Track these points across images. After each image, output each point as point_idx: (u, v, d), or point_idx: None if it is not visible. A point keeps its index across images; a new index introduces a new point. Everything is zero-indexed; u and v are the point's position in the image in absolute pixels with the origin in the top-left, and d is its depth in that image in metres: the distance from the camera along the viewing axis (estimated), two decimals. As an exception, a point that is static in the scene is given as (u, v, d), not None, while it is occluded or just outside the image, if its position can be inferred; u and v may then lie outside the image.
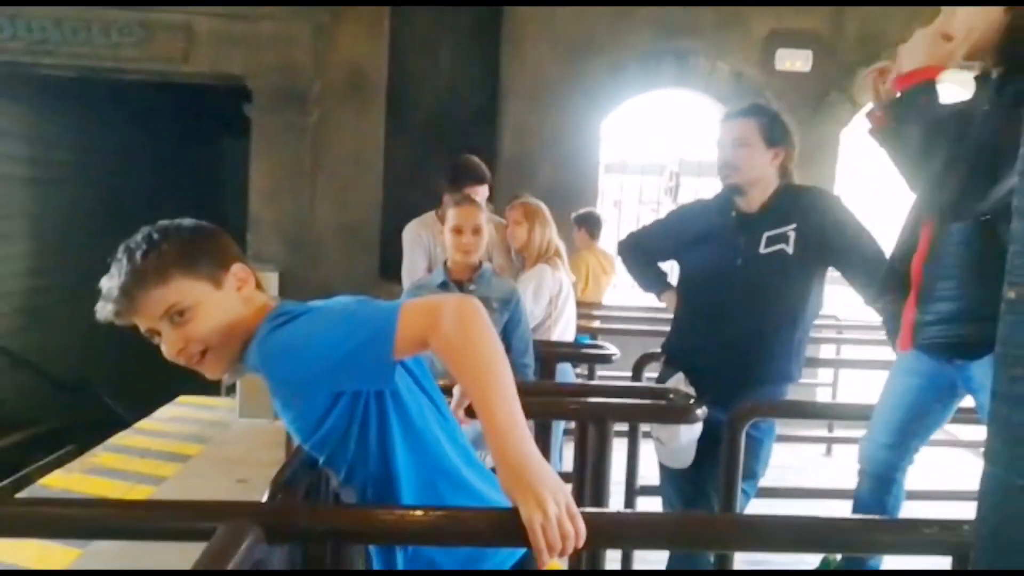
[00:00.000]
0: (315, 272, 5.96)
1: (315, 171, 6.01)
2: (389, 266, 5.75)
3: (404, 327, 1.16)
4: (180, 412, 5.92)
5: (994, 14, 1.68)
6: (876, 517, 1.90)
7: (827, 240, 2.29)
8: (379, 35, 5.98)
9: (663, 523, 1.28)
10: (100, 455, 4.94)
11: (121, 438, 5.29)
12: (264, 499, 1.30)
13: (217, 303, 1.26)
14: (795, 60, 5.94)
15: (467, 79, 6.13)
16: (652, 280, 2.77)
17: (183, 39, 5.73)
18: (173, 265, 1.24)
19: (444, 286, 2.68)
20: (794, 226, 2.30)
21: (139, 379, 7.21)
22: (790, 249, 2.29)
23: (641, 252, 2.73)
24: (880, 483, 2.02)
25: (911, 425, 1.97)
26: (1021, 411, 0.51)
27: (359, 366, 1.18)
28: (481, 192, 3.41)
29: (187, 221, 1.33)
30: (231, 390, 5.99)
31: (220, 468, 4.69)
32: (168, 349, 1.28)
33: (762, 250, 2.30)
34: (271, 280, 5.77)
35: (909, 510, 3.78)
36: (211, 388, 6.38)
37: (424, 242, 3.38)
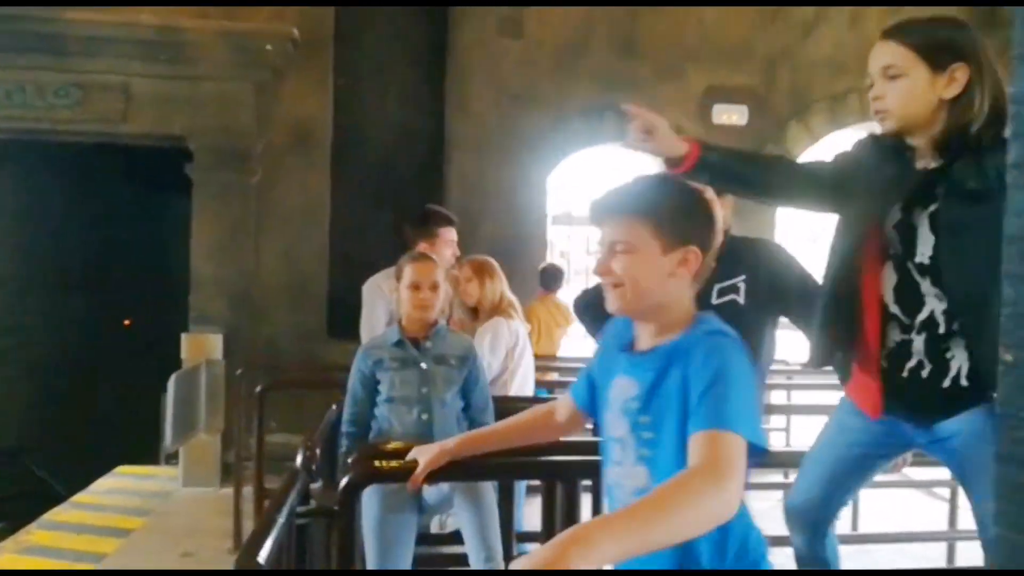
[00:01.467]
0: (261, 331, 5.84)
1: (259, 229, 5.93)
2: (337, 323, 5.68)
3: (731, 441, 1.20)
4: (119, 483, 5.66)
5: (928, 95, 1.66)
6: (839, 571, 1.88)
7: (776, 289, 2.33)
8: (323, 91, 6.00)
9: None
10: (34, 532, 4.67)
11: (56, 513, 5.02)
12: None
13: (654, 265, 1.35)
14: (731, 114, 6.16)
15: (413, 132, 6.17)
16: None
17: (120, 100, 5.65)
18: (649, 214, 1.36)
19: (400, 345, 2.65)
20: (743, 277, 2.33)
21: (73, 448, 6.92)
22: (741, 299, 2.31)
23: (594, 309, 2.73)
24: (811, 535, 1.95)
25: (846, 481, 1.90)
26: (1028, 473, 0.52)
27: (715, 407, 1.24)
28: (450, 235, 3.46)
29: (704, 193, 1.48)
30: (172, 458, 5.77)
31: (164, 542, 4.48)
32: (598, 264, 1.43)
33: (714, 301, 2.33)
34: (215, 342, 5.63)
35: (865, 552, 3.86)
36: (151, 457, 6.17)
37: (385, 295, 3.36)
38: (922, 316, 1.70)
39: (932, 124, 1.65)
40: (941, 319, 1.68)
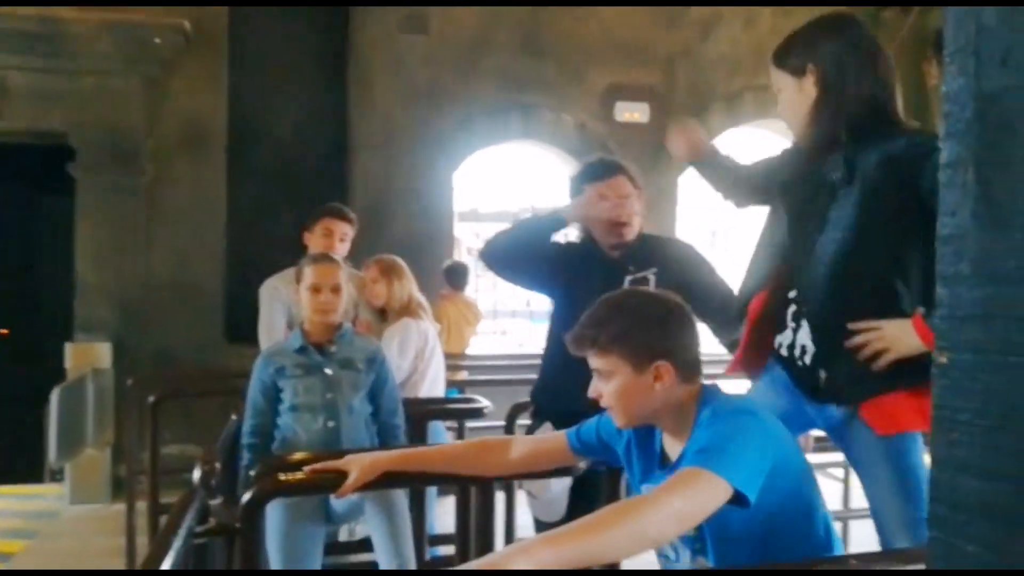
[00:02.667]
0: (153, 338, 5.55)
1: (150, 231, 5.64)
2: (236, 328, 5.46)
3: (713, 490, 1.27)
4: (1, 505, 5.27)
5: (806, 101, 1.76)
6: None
7: (685, 283, 2.38)
8: (217, 87, 5.75)
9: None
10: (-99, 563, 4.30)
11: (-73, 541, 4.64)
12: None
13: (632, 386, 1.46)
14: (633, 112, 6.26)
15: (314, 130, 5.99)
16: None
17: (-6, 94, 5.27)
18: (617, 345, 1.46)
19: (302, 351, 2.55)
20: (655, 270, 2.39)
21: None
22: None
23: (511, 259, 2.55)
24: None
25: None
26: (963, 475, 0.52)
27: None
28: (333, 226, 3.35)
29: (659, 302, 1.54)
30: (59, 475, 5.42)
31: (50, 565, 4.19)
32: (592, 390, 1.53)
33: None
34: (102, 350, 5.32)
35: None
36: (35, 475, 5.77)
37: (283, 297, 3.24)
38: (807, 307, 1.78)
39: (813, 125, 1.76)
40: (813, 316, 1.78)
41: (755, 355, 1.90)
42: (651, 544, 1.27)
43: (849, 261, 1.66)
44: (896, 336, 1.59)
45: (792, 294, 1.81)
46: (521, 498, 2.57)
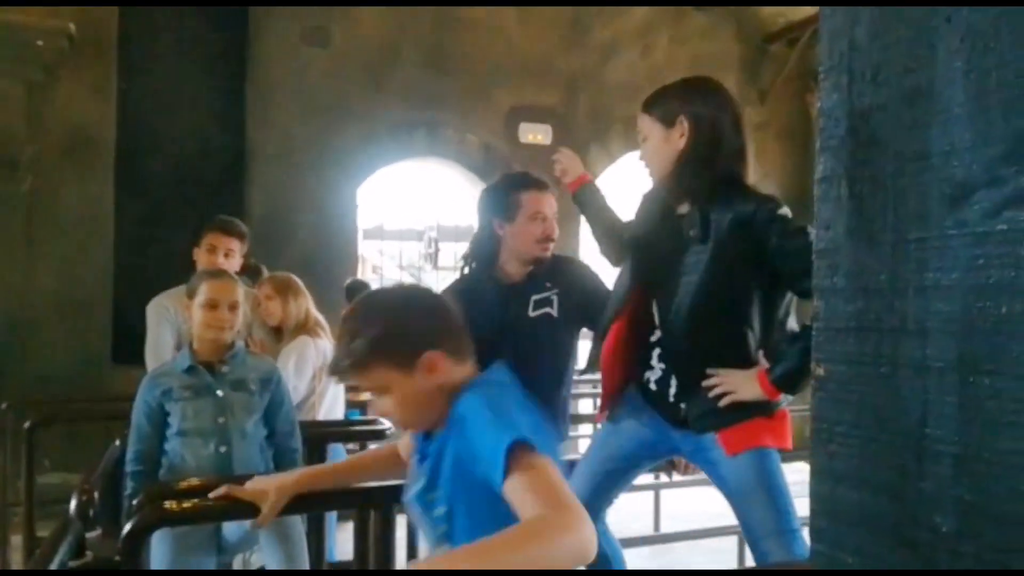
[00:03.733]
0: (33, 357, 5.20)
1: (31, 243, 5.30)
2: (124, 347, 5.17)
3: (535, 467, 1.17)
4: None
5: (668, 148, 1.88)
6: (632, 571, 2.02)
7: (585, 302, 2.41)
8: (105, 94, 5.48)
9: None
10: None
11: None
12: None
13: (408, 388, 1.35)
14: (536, 133, 6.34)
15: (211, 139, 5.78)
16: None
17: None
18: (375, 357, 1.35)
19: (191, 371, 2.43)
20: (556, 291, 2.40)
21: None
22: (555, 312, 2.39)
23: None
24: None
25: (611, 479, 2.05)
26: (841, 487, 0.52)
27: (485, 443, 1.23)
28: (229, 244, 3.20)
29: (394, 293, 1.51)
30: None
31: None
32: (374, 410, 1.44)
33: (531, 313, 2.37)
34: (-26, 371, 4.95)
35: (667, 551, 4.07)
36: None
37: (172, 316, 3.08)
38: (653, 338, 1.94)
39: (675, 174, 1.88)
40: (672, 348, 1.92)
41: (615, 394, 2.03)
42: (579, 560, 1.15)
43: (702, 310, 1.81)
44: (742, 383, 1.77)
45: (655, 336, 1.91)
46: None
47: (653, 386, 1.93)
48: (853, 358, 0.51)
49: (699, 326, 1.82)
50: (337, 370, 1.42)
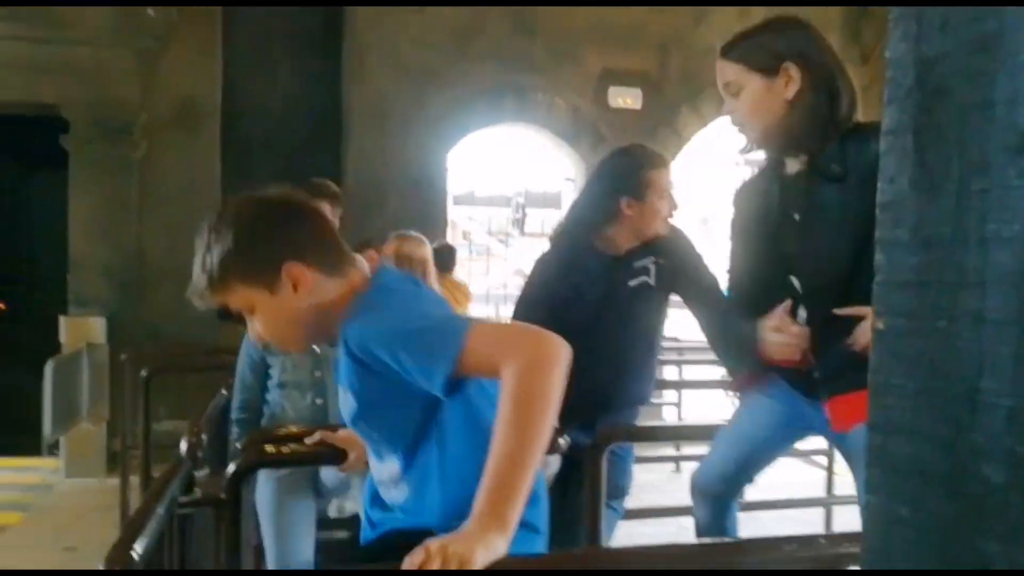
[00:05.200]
0: (145, 315, 5.56)
1: (143, 206, 5.63)
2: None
3: (475, 345, 1.13)
4: (-6, 477, 5.31)
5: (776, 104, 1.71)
6: (739, 540, 1.96)
7: (682, 271, 2.41)
8: (211, 61, 5.72)
9: (541, 564, 1.25)
10: None
11: (-80, 511, 4.67)
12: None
13: (275, 307, 1.26)
14: (626, 97, 6.25)
15: (307, 105, 5.97)
16: None
17: (-16, 65, 5.24)
18: (229, 273, 1.24)
19: None
20: (653, 259, 2.40)
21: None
22: (652, 280, 2.39)
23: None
24: (717, 508, 2.05)
25: (755, 459, 2.00)
26: (896, 439, 0.52)
27: (418, 365, 1.16)
28: (324, 208, 3.29)
29: (250, 201, 1.31)
30: (54, 448, 5.45)
31: (45, 537, 4.23)
32: (249, 331, 1.38)
33: (630, 283, 2.38)
34: (97, 325, 5.33)
35: (752, 519, 4.04)
36: (31, 447, 5.79)
37: None
38: (801, 315, 1.78)
39: (788, 126, 1.71)
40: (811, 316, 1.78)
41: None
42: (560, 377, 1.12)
43: (852, 255, 1.65)
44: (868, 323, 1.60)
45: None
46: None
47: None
48: (912, 311, 0.51)
49: (852, 273, 1.65)
50: (195, 291, 1.28)
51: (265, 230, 1.26)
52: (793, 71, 1.68)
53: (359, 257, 1.39)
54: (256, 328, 1.31)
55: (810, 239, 1.72)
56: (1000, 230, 0.45)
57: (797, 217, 1.75)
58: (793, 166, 1.78)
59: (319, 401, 2.52)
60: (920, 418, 0.50)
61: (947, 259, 0.49)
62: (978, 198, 0.46)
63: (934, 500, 0.50)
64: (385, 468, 1.37)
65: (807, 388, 1.80)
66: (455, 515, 1.11)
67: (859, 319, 1.60)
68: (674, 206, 2.38)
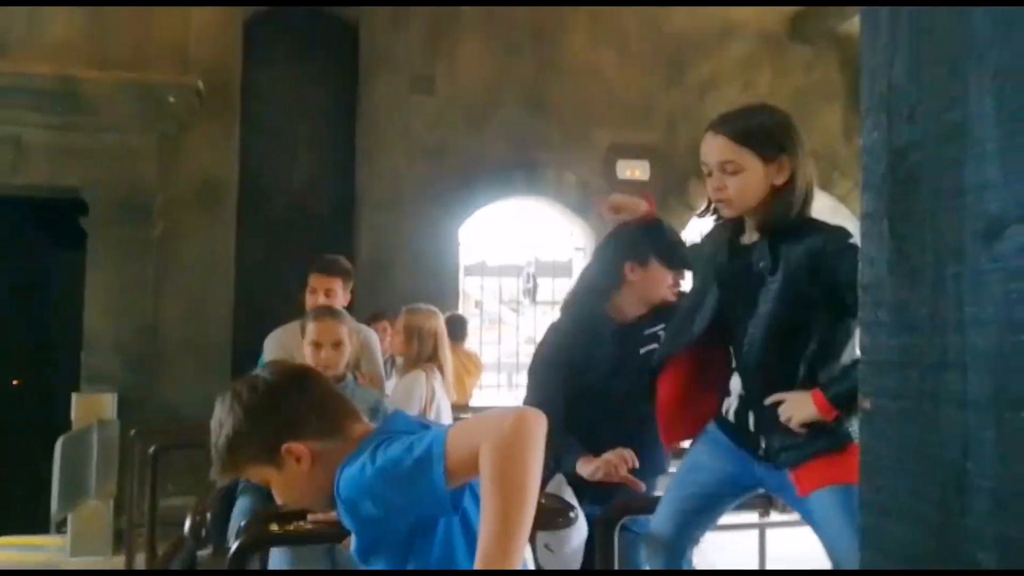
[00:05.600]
0: (159, 392, 5.57)
1: (159, 285, 5.70)
2: (242, 381, 5.47)
3: (454, 447, 1.16)
4: (2, 555, 5.24)
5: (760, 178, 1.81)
6: None
7: None
8: (229, 144, 5.88)
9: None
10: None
11: (-75, 594, 4.61)
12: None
13: (285, 480, 1.34)
14: (635, 169, 6.35)
15: (323, 186, 6.11)
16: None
17: (11, 151, 5.40)
18: (237, 456, 1.34)
19: None
20: (663, 325, 2.40)
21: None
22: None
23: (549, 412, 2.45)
24: (671, 559, 2.05)
25: (697, 516, 2.03)
26: (888, 520, 0.52)
27: (413, 494, 1.19)
28: (335, 284, 3.35)
29: (246, 387, 1.37)
30: (61, 526, 5.39)
31: (46, 619, 4.15)
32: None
33: (641, 351, 2.38)
34: (108, 401, 5.34)
35: None
36: (38, 525, 5.74)
37: (288, 350, 3.25)
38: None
39: (762, 207, 1.82)
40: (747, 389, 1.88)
41: (678, 421, 2.04)
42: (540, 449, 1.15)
43: (773, 343, 1.78)
44: (798, 403, 1.75)
45: (733, 364, 1.89)
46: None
47: (732, 417, 1.90)
48: (897, 392, 0.51)
49: (771, 359, 1.79)
50: (216, 473, 1.39)
51: (262, 415, 1.33)
52: (785, 161, 1.78)
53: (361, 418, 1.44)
54: (276, 495, 1.40)
55: (747, 312, 1.81)
56: (976, 313, 0.46)
57: (739, 287, 1.85)
58: (751, 237, 1.86)
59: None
60: (911, 500, 0.50)
61: (928, 341, 0.49)
62: (953, 282, 0.47)
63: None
64: None
65: (754, 448, 1.86)
66: None
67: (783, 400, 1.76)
68: (681, 276, 2.40)
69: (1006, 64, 0.45)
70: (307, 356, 2.62)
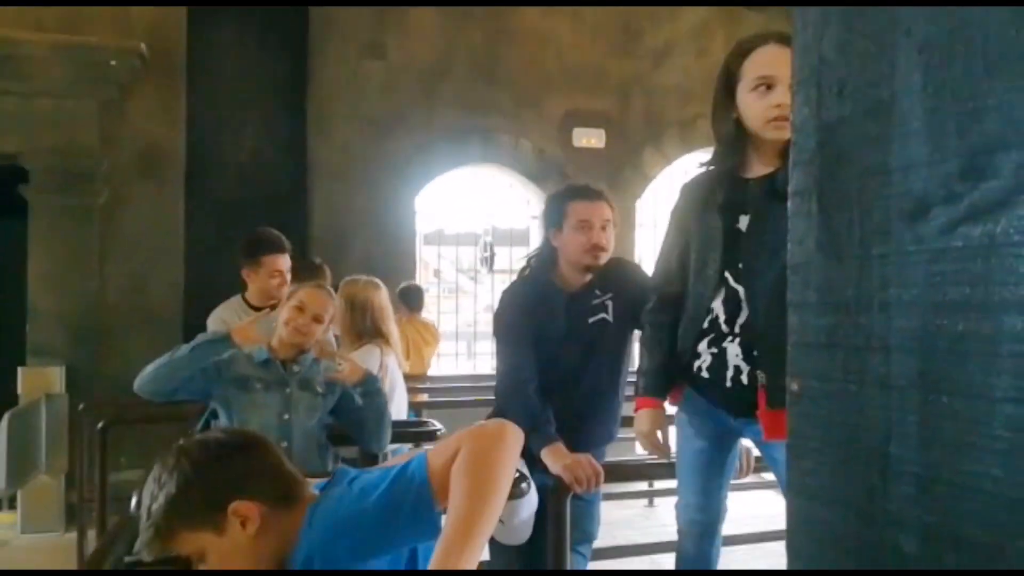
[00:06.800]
0: (107, 365, 5.44)
1: (104, 255, 5.54)
2: (194, 353, 5.37)
3: (433, 463, 1.16)
4: (-54, 536, 5.12)
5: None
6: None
7: (639, 305, 2.41)
8: (175, 111, 5.70)
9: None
10: None
11: None
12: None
13: (226, 548, 1.23)
14: (590, 138, 6.32)
15: (274, 155, 5.96)
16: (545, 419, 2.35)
17: (-56, 116, 5.18)
18: (175, 520, 1.23)
19: (267, 364, 2.52)
20: (611, 295, 2.41)
21: None
22: (610, 317, 2.40)
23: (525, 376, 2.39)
24: (702, 539, 2.11)
25: (715, 481, 2.06)
26: (816, 504, 0.52)
27: (414, 526, 1.17)
28: (276, 264, 3.31)
29: (195, 445, 1.29)
30: (11, 503, 5.28)
31: (-4, 597, 4.08)
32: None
33: (589, 320, 2.38)
34: (55, 375, 5.21)
35: (727, 552, 4.01)
36: (-13, 503, 5.62)
37: (230, 328, 3.19)
38: (740, 321, 1.79)
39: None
40: (757, 324, 1.80)
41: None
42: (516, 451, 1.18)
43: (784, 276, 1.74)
44: None
45: (721, 319, 1.83)
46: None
47: (706, 373, 1.87)
48: (824, 374, 0.50)
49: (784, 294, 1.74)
50: (142, 545, 1.25)
51: (211, 471, 1.25)
52: None
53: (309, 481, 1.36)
54: (204, 569, 1.26)
55: (757, 246, 1.76)
56: (900, 294, 0.45)
57: (745, 221, 1.79)
58: (758, 170, 1.80)
59: (283, 444, 2.47)
60: (837, 484, 0.49)
61: (853, 322, 0.48)
62: (879, 263, 0.46)
63: (854, 569, 0.49)
64: None
65: (728, 406, 1.87)
66: None
67: None
68: (595, 238, 2.36)
69: (933, 38, 0.43)
70: (283, 316, 2.56)
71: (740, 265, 1.80)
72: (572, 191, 2.48)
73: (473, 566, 1.08)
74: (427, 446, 3.57)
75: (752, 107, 1.78)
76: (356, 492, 1.21)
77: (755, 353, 1.78)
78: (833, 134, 0.50)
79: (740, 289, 1.81)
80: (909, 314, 0.45)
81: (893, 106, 0.46)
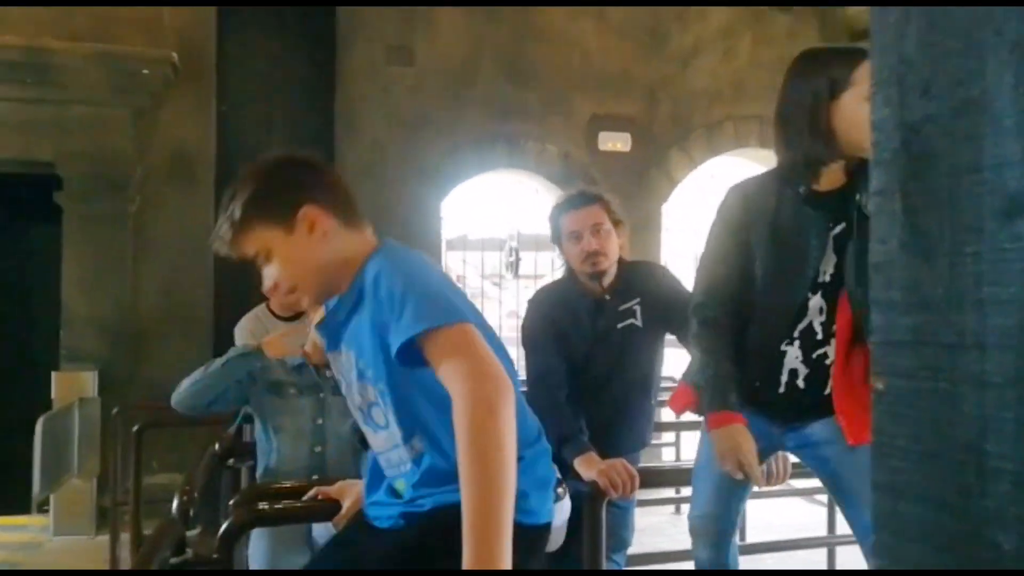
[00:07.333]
0: (140, 369, 5.52)
1: (138, 260, 5.62)
2: (224, 357, 5.43)
3: (445, 337, 1.17)
4: (-18, 537, 5.21)
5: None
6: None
7: (667, 308, 2.41)
8: (205, 116, 5.78)
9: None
10: None
11: (-94, 576, 4.57)
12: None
13: (291, 248, 1.31)
14: (616, 141, 6.32)
15: (301, 159, 6.01)
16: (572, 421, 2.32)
17: (-18, 124, 5.27)
18: (249, 214, 1.32)
19: (301, 369, 2.54)
20: (638, 299, 2.41)
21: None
22: (639, 322, 2.39)
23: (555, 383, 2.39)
24: (715, 547, 2.07)
25: (732, 492, 2.02)
26: (903, 502, 0.52)
27: (405, 313, 1.21)
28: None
29: (267, 157, 1.42)
30: (44, 505, 5.36)
31: (31, 599, 4.14)
32: (264, 284, 1.44)
33: (618, 326, 2.39)
34: (88, 379, 5.28)
35: (755, 562, 3.98)
36: (19, 506, 5.70)
37: (256, 339, 3.20)
38: (801, 326, 1.78)
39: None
40: (819, 328, 1.81)
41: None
42: (511, 416, 1.13)
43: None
44: None
45: (795, 332, 1.83)
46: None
47: (756, 381, 1.86)
48: (911, 372, 0.50)
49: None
50: (217, 236, 1.37)
51: (283, 175, 1.36)
52: None
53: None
54: (272, 275, 1.36)
55: (858, 254, 1.73)
56: (996, 292, 0.45)
57: (831, 232, 1.76)
58: (832, 182, 1.77)
59: (318, 449, 2.49)
60: (928, 482, 0.49)
61: (943, 320, 0.48)
62: (972, 261, 0.46)
63: (944, 567, 0.49)
64: (387, 437, 1.37)
65: (774, 413, 1.84)
66: None
67: None
68: (585, 246, 2.35)
69: (1027, 37, 0.43)
70: (315, 320, 2.57)
71: (831, 272, 1.79)
72: (561, 203, 2.50)
73: (508, 550, 1.07)
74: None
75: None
76: (406, 273, 1.30)
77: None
78: (917, 134, 0.50)
79: (812, 297, 1.81)
80: (1006, 312, 0.45)
81: (984, 104, 0.46)
